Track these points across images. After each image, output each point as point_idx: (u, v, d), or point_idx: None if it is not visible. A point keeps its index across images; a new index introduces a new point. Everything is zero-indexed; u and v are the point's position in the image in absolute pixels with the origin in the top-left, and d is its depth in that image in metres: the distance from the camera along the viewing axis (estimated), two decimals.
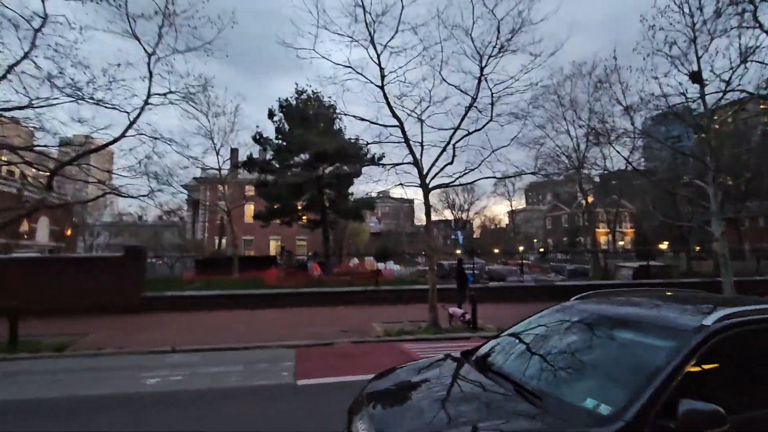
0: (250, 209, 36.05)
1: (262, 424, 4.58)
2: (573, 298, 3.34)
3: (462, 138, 10.98)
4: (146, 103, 10.44)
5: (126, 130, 10.38)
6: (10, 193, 37.19)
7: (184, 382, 6.26)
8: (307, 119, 20.00)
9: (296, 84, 21.46)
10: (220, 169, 21.29)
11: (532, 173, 14.20)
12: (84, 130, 10.82)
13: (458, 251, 47.55)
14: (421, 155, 10.93)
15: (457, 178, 11.11)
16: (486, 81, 10.55)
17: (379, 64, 10.46)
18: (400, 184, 11.00)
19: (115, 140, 10.43)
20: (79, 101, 9.60)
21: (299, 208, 21.87)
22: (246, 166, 22.02)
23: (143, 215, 71.05)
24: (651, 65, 11.67)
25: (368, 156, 20.55)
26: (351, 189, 23.30)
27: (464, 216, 62.36)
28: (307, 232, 42.45)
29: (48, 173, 10.03)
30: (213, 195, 40.59)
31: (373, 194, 21.52)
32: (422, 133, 10.93)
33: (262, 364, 7.27)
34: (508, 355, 2.93)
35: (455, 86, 10.87)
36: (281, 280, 21.25)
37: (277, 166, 22.06)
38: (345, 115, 12.24)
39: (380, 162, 20.15)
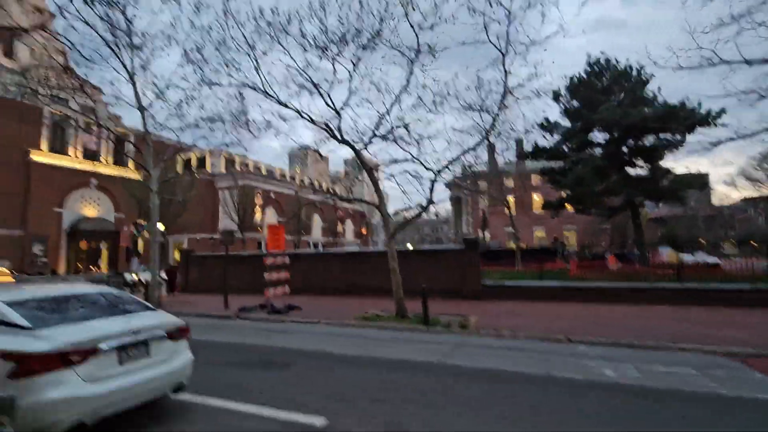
0: (510, 200, 35.77)
1: None
2: None
3: None
4: None
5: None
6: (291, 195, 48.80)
7: (643, 379, 5.72)
8: (606, 91, 17.63)
9: (588, 55, 19.36)
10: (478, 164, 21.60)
11: None
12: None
13: None
14: None
15: None
16: None
17: None
18: None
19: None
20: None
21: (595, 192, 19.57)
22: (532, 156, 21.44)
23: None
24: None
25: (694, 119, 16.28)
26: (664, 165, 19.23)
27: None
28: (575, 220, 38.67)
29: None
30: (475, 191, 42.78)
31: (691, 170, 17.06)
32: None
33: (719, 371, 6.03)
34: None
35: None
36: (580, 272, 19.63)
37: (567, 150, 20.48)
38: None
39: (715, 120, 15.56)
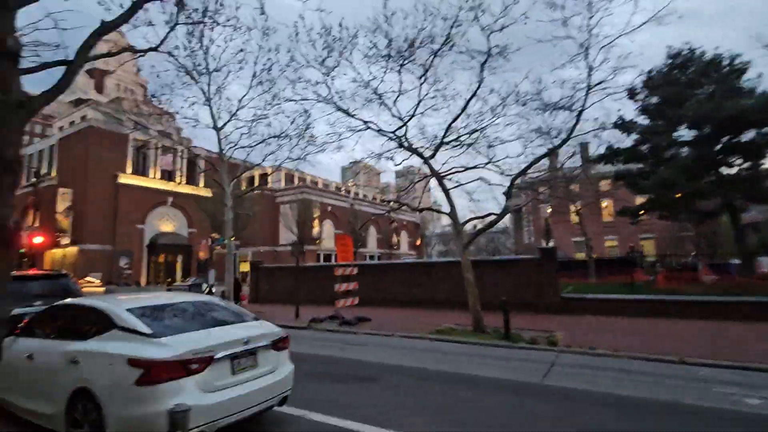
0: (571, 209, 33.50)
1: None
2: None
3: None
4: None
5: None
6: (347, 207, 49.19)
7: None
8: (692, 85, 16.02)
9: (668, 47, 17.79)
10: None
11: None
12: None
13: None
14: None
15: None
16: None
17: None
18: None
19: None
20: None
21: (684, 195, 17.70)
22: (605, 159, 19.96)
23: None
24: None
25: None
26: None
27: None
28: (652, 227, 35.58)
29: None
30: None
31: None
32: None
33: None
34: None
35: None
36: (668, 284, 17.74)
37: (647, 151, 18.82)
38: None
39: None
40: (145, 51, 5.55)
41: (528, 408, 4.98)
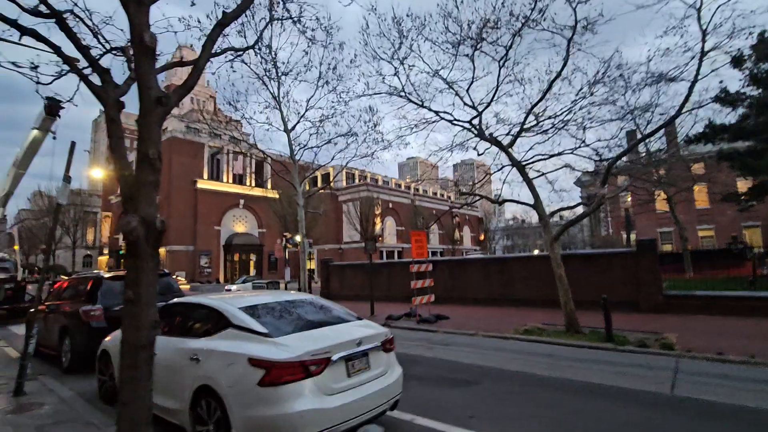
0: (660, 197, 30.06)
1: None
2: None
3: None
4: None
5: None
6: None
7: None
8: None
9: None
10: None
11: None
12: None
13: None
14: None
15: None
16: None
17: None
18: None
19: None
20: None
21: None
22: (704, 138, 17.64)
23: (526, 219, 77.74)
24: None
25: None
26: None
27: None
28: (756, 215, 31.30)
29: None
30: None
31: None
32: None
33: None
34: None
35: None
36: None
37: (758, 126, 16.30)
38: None
39: None
40: (244, 49, 5.65)
41: (664, 427, 4.30)
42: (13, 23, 2.30)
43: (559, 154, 10.54)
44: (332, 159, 16.74)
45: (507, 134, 11.03)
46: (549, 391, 5.50)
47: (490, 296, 15.16)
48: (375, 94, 11.41)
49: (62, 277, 22.78)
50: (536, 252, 54.00)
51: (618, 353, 7.68)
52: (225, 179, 48.25)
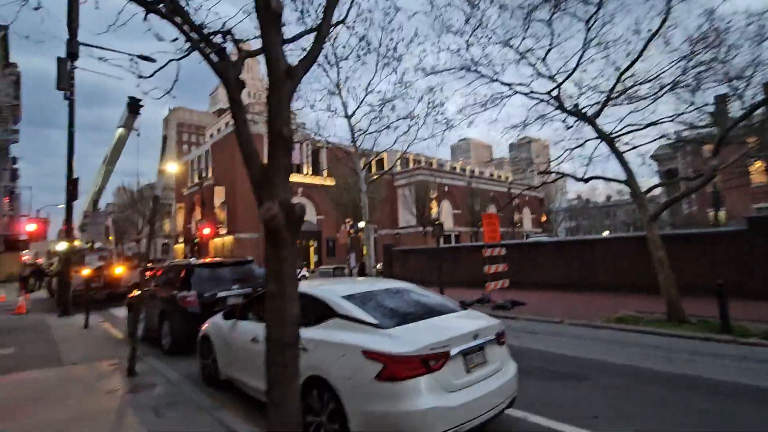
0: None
1: None
2: None
3: None
4: None
5: None
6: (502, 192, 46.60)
7: None
8: None
9: None
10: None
11: None
12: None
13: None
14: None
15: None
16: None
17: None
18: None
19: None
20: None
21: None
22: None
23: (590, 198, 72.76)
24: None
25: None
26: None
27: None
28: None
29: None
30: (697, 160, 33.75)
31: None
32: None
33: None
34: None
35: None
36: None
37: None
38: None
39: None
40: (336, 24, 5.43)
41: None
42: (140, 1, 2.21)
43: (654, 123, 9.39)
44: (395, 142, 16.44)
45: (591, 105, 10.03)
46: (668, 388, 4.88)
47: (566, 281, 14.21)
48: (443, 70, 10.83)
49: (147, 264, 24.86)
50: (606, 233, 50.37)
51: (739, 346, 6.73)
52: None
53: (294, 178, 48.62)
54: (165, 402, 4.80)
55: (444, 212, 48.40)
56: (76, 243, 14.63)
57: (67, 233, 13.75)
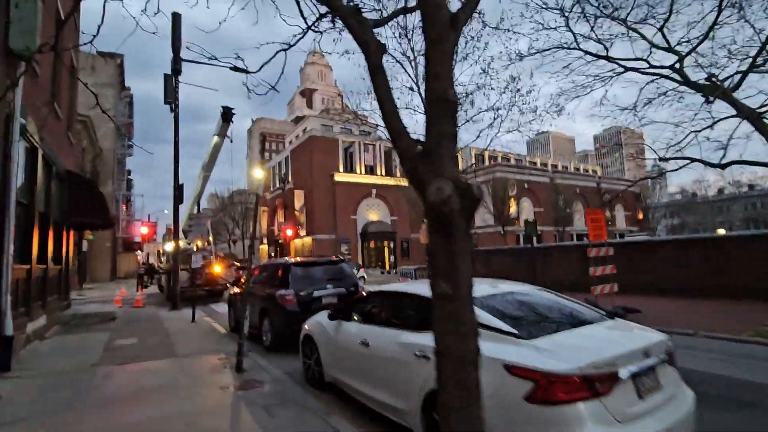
0: None
1: None
2: None
3: None
4: None
5: None
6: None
7: None
8: None
9: None
10: None
11: None
12: None
13: None
14: None
15: None
16: None
17: None
18: None
19: None
20: None
21: None
22: None
23: (696, 191, 63.90)
24: None
25: None
26: None
27: None
28: None
29: None
30: None
31: None
32: None
33: None
34: None
35: None
36: None
37: None
38: None
39: None
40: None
41: None
42: None
43: None
44: (477, 136, 15.61)
45: (725, 79, 8.42)
46: None
47: (687, 285, 12.27)
48: (543, 50, 9.84)
49: (236, 263, 26.71)
50: (721, 231, 43.76)
51: None
52: (358, 170, 50.98)
53: (367, 179, 49.64)
54: (275, 401, 4.74)
55: (524, 211, 45.75)
56: (181, 243, 16.03)
57: (174, 234, 15.11)
